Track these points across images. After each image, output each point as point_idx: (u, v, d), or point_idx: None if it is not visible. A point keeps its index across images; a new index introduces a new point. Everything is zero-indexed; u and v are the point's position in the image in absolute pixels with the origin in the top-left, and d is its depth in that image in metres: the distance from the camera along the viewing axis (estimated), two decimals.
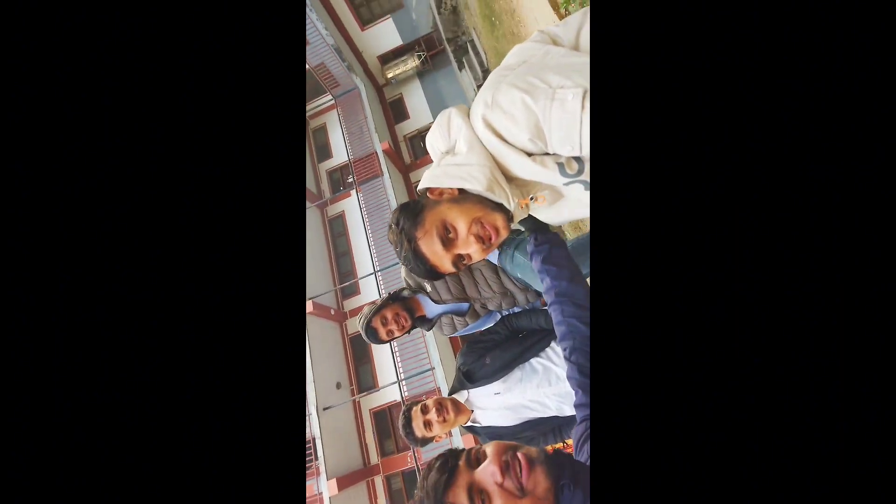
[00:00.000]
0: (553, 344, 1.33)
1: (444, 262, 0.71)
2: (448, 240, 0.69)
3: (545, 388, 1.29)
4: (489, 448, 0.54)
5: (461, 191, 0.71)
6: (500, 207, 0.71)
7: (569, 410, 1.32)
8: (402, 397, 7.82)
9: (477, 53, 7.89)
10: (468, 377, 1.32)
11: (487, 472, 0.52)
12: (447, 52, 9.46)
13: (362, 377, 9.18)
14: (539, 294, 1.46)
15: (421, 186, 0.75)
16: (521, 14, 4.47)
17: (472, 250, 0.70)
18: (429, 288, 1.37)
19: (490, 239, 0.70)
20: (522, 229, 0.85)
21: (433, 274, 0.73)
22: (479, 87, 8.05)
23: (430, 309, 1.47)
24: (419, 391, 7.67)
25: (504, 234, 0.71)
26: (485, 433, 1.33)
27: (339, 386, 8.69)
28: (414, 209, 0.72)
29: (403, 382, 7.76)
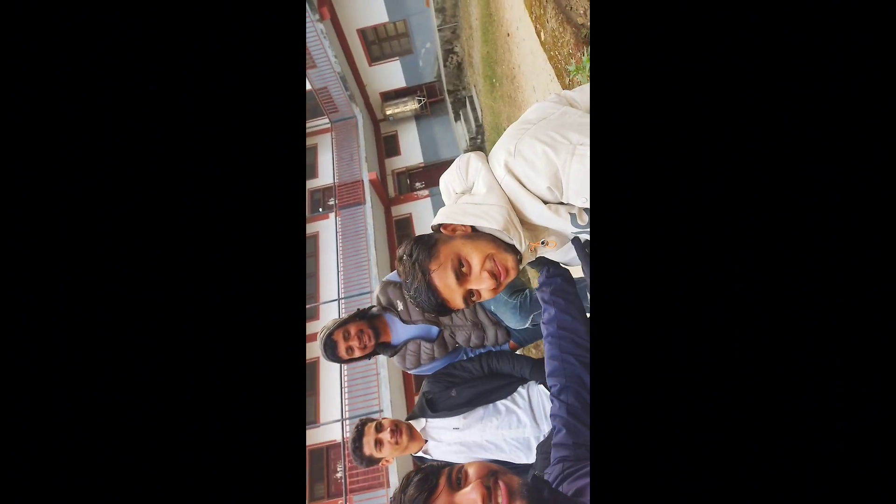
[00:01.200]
0: (520, 389, 1.31)
1: (456, 297, 0.71)
2: (461, 274, 0.70)
3: (504, 431, 1.25)
4: (471, 469, 0.54)
5: (474, 229, 0.73)
6: (511, 248, 0.73)
7: (523, 458, 1.28)
8: (343, 438, 7.34)
9: (474, 109, 8.36)
10: (431, 406, 1.27)
11: (468, 499, 0.51)
12: (446, 102, 9.98)
13: None
14: (508, 334, 1.46)
15: (435, 222, 0.76)
16: (521, 81, 4.84)
17: (484, 286, 0.71)
18: (400, 306, 1.35)
19: (500, 276, 0.71)
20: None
21: (443, 308, 0.72)
22: (471, 139, 8.46)
23: (398, 333, 1.44)
24: None
25: (513, 275, 0.72)
26: None
27: None
28: (429, 242, 0.73)
29: (347, 422, 7.31)
